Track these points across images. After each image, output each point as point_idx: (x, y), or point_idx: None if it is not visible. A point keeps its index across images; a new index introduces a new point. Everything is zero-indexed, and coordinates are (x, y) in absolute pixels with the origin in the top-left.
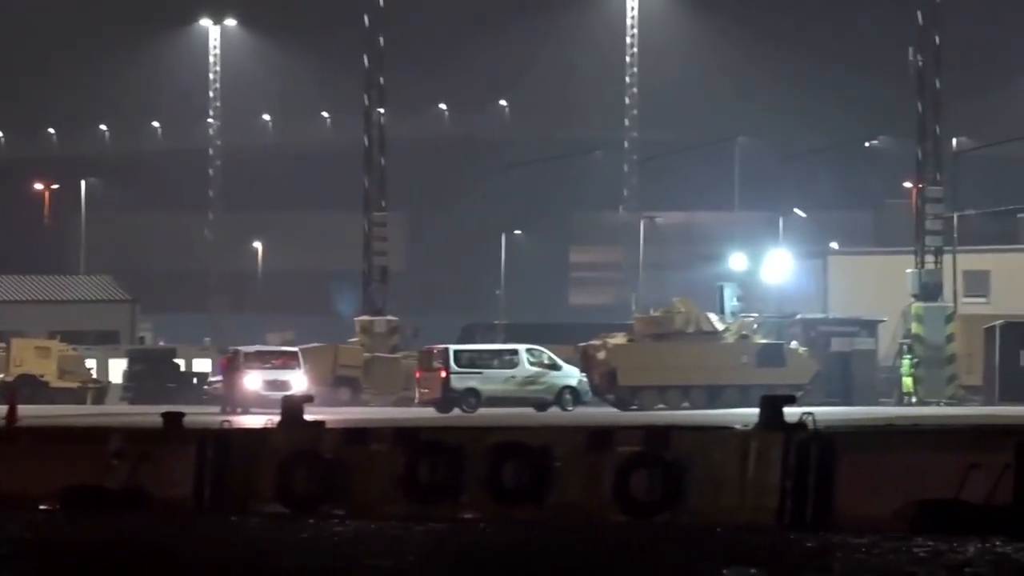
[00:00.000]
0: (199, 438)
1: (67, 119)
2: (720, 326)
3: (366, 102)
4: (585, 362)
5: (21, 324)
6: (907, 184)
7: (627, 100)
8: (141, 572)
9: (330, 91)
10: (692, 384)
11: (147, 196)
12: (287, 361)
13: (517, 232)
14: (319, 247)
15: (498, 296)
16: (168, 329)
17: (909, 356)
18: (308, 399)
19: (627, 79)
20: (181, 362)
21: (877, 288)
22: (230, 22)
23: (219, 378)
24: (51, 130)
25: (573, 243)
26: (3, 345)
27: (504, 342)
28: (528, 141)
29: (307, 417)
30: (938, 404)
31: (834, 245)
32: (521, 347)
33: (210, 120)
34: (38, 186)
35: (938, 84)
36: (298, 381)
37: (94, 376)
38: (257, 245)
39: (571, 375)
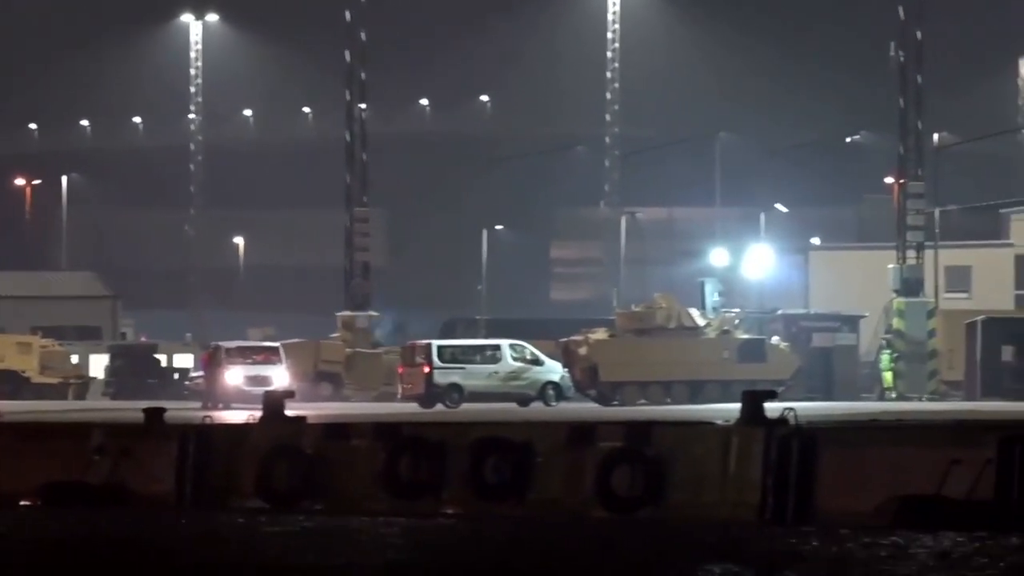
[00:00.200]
0: (180, 434)
1: (49, 115)
2: (701, 322)
3: (348, 98)
4: (566, 358)
5: (2, 320)
6: (889, 180)
7: (608, 96)
8: (123, 568)
9: (312, 87)
10: (673, 379)
11: (129, 192)
12: (268, 357)
13: (499, 227)
14: (301, 243)
15: (479, 291)
16: (150, 325)
17: (889, 351)
18: (289, 395)
19: (608, 75)
20: (163, 358)
21: (859, 283)
22: (212, 17)
23: (200, 374)
24: (33, 126)
25: (554, 239)
26: None
27: (486, 337)
28: (510, 137)
29: (288, 413)
30: (920, 399)
31: (815, 240)
32: (504, 342)
33: (192, 116)
34: (20, 182)
35: (920, 80)
36: (279, 377)
37: (81, 371)
38: (239, 241)
39: (554, 370)
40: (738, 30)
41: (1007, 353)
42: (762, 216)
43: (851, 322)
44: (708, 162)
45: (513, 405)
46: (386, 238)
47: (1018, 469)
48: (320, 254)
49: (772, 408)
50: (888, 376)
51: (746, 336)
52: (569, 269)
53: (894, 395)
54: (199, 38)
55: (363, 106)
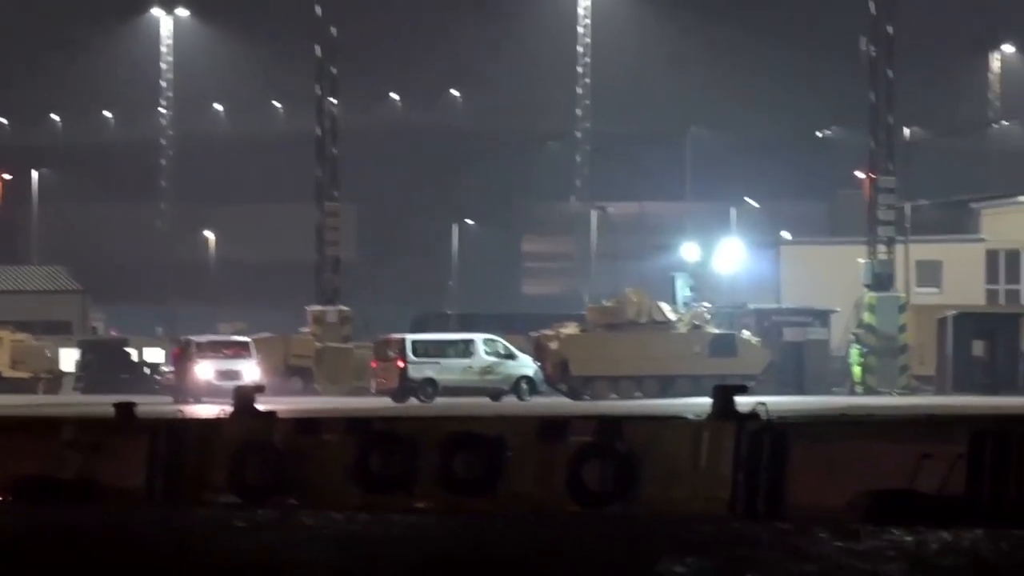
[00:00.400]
0: (151, 428)
1: (19, 109)
2: (672, 316)
3: (318, 92)
4: (538, 352)
5: None
6: (859, 174)
7: (579, 91)
8: (94, 563)
9: (282, 81)
10: (644, 374)
11: (99, 186)
12: (239, 351)
13: (469, 222)
14: (271, 237)
15: (450, 286)
16: (120, 319)
17: (858, 346)
18: (260, 389)
19: (580, 70)
20: (133, 352)
21: (830, 278)
22: (182, 12)
23: (171, 368)
24: (2, 120)
25: (525, 233)
26: None
27: (456, 332)
28: (481, 131)
29: (259, 407)
30: (891, 394)
31: (786, 235)
32: (477, 337)
33: (162, 110)
34: None
35: (891, 74)
36: (250, 371)
37: (54, 366)
38: (209, 235)
39: (527, 365)
40: (709, 25)
41: (978, 348)
42: (733, 211)
43: (822, 316)
44: (679, 157)
45: (486, 399)
46: (356, 233)
47: (989, 464)
48: (290, 248)
49: (743, 403)
50: (857, 370)
51: (717, 331)
52: (540, 264)
53: (861, 389)
54: (169, 32)
55: (333, 100)
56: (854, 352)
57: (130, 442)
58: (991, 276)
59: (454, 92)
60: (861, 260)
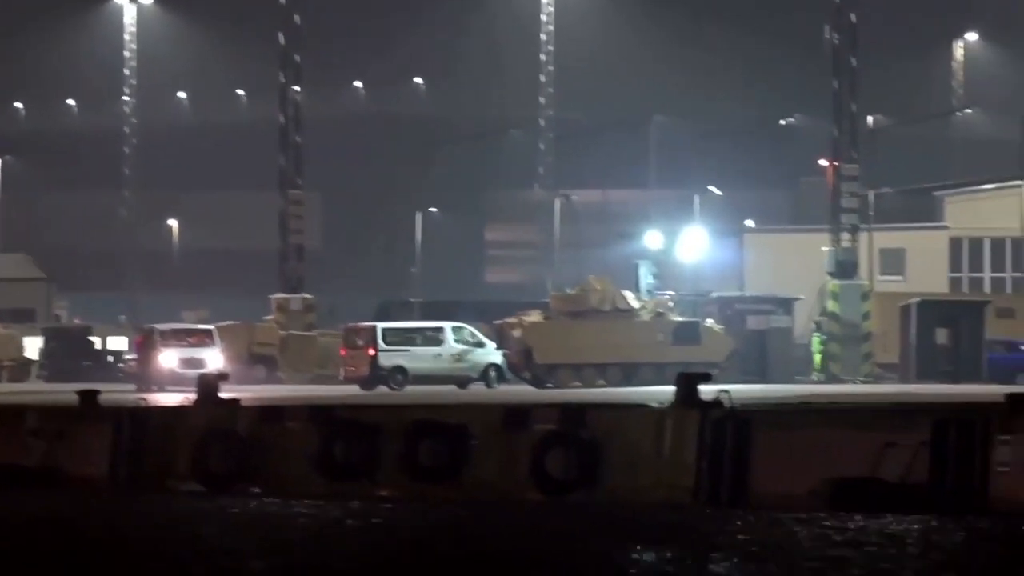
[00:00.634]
0: (115, 416)
1: None
2: (636, 304)
3: (282, 80)
4: (501, 340)
5: None
6: (823, 162)
7: (543, 78)
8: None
9: (246, 69)
10: (608, 362)
11: (62, 174)
12: (202, 339)
13: (433, 210)
14: (234, 225)
15: (414, 274)
16: (84, 307)
17: (818, 334)
18: (223, 377)
19: (543, 57)
20: (97, 340)
21: (793, 266)
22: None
23: (134, 356)
24: None
25: (489, 221)
26: None
27: (420, 320)
28: (444, 119)
29: (223, 395)
30: (854, 382)
31: (750, 223)
32: (447, 325)
33: (125, 98)
34: None
35: (854, 62)
36: (214, 359)
37: (22, 354)
38: (172, 223)
39: (495, 353)
40: (672, 13)
41: (941, 336)
42: (696, 199)
43: (786, 304)
44: (642, 145)
45: (452, 387)
46: (320, 221)
47: (952, 452)
48: (254, 237)
49: (707, 391)
50: (817, 358)
51: (680, 319)
52: (503, 252)
53: (820, 377)
54: (133, 20)
55: (297, 89)
56: (815, 340)
57: (94, 430)
58: (954, 264)
59: (418, 80)
60: (825, 248)
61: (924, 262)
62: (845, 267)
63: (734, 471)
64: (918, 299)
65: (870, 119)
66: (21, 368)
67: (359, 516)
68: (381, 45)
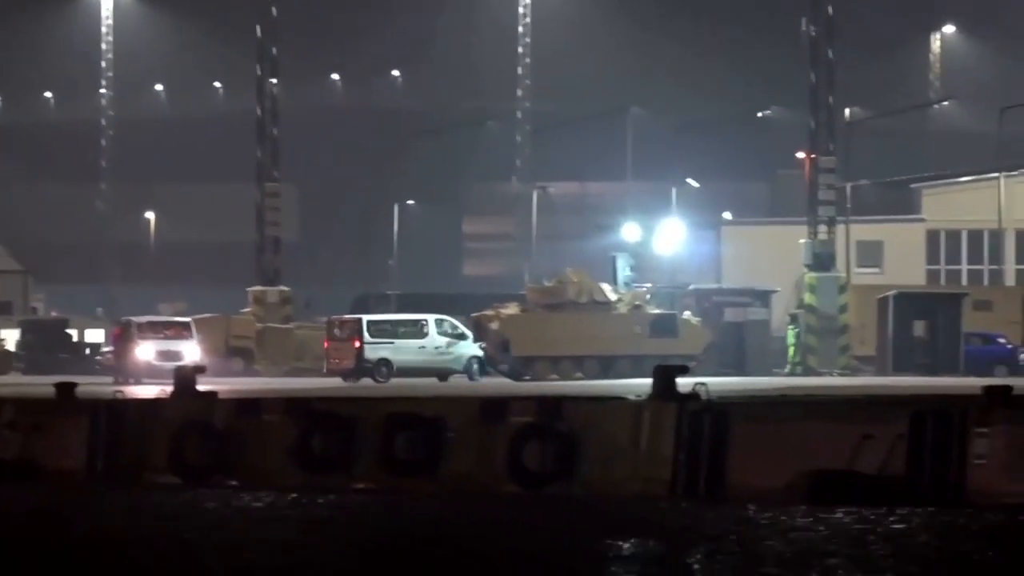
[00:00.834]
0: (92, 409)
1: None
2: (613, 296)
3: (259, 72)
4: (478, 332)
5: None
6: (800, 154)
7: (520, 71)
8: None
9: (223, 61)
10: (585, 354)
11: (39, 167)
12: (179, 332)
13: (410, 203)
14: (211, 218)
15: (391, 266)
16: (61, 300)
17: (792, 326)
18: (200, 370)
19: (520, 49)
20: (74, 332)
21: (770, 258)
22: None
23: (111, 349)
24: None
25: (466, 213)
26: None
27: (396, 312)
28: (421, 112)
29: (200, 388)
30: (831, 374)
31: (727, 215)
32: (430, 317)
33: (102, 91)
34: None
35: (831, 54)
36: (191, 352)
37: (1, 346)
38: (149, 216)
39: (476, 345)
40: (649, 5)
41: (918, 328)
42: (673, 191)
43: (763, 297)
44: (620, 137)
45: (431, 380)
46: (297, 213)
47: (929, 444)
48: (231, 229)
49: (684, 383)
50: (791, 351)
51: (658, 311)
52: (481, 244)
53: (791, 369)
54: (109, 13)
55: (274, 81)
56: (790, 332)
57: (71, 423)
58: (932, 256)
59: (395, 73)
60: (802, 240)
61: (901, 254)
62: (822, 259)
63: (711, 464)
64: (895, 291)
65: (847, 111)
66: (2, 360)
67: (336, 509)
68: (358, 38)
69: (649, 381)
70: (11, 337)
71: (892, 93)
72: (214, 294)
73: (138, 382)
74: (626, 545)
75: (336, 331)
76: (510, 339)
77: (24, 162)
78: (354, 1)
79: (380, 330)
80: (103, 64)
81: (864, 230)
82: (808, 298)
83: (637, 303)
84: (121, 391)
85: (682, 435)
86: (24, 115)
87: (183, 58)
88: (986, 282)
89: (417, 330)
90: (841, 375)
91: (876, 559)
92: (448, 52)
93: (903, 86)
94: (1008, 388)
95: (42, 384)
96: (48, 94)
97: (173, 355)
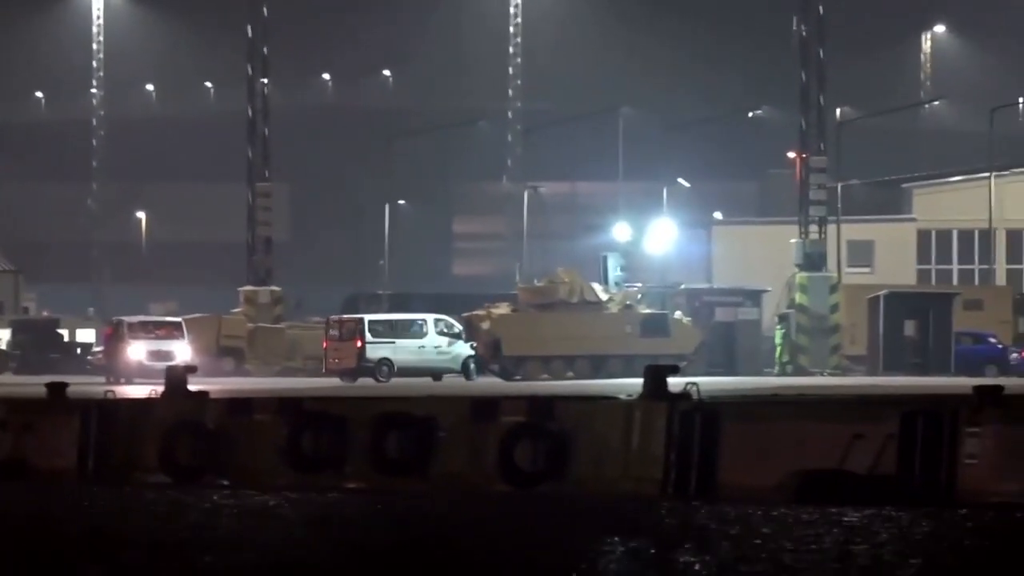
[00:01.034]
0: (83, 409)
1: None
2: (604, 296)
3: (249, 72)
4: (469, 332)
5: None
6: (791, 154)
7: (511, 70)
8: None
9: (214, 61)
10: (576, 354)
11: (31, 166)
12: (171, 331)
13: (401, 202)
14: (203, 217)
15: (382, 266)
16: (52, 299)
17: (780, 326)
18: (192, 369)
19: (511, 49)
20: (65, 332)
21: (761, 258)
22: None
23: (103, 348)
24: None
25: (457, 213)
26: None
27: (388, 312)
28: (412, 111)
29: (191, 388)
30: (822, 374)
31: (718, 215)
32: (429, 317)
33: (93, 90)
34: None
35: (822, 54)
36: (182, 351)
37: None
38: (141, 215)
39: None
40: (639, 5)
41: (909, 328)
42: (664, 191)
43: (754, 297)
44: (611, 136)
45: (424, 379)
46: (288, 213)
47: (920, 444)
48: (222, 229)
49: (675, 383)
50: (778, 351)
51: (649, 311)
52: (472, 244)
53: (780, 369)
54: (100, 12)
55: (265, 81)
56: (777, 333)
57: (61, 422)
58: (923, 256)
59: (385, 72)
60: (793, 240)
61: (892, 254)
62: (813, 259)
63: (702, 463)
64: (886, 291)
65: (838, 111)
66: None
67: (328, 508)
68: (349, 37)
69: (640, 381)
70: (2, 337)
71: (883, 93)
72: (205, 294)
73: (129, 382)
74: (617, 544)
75: (336, 331)
76: (501, 339)
77: (15, 162)
78: (345, 1)
79: (381, 330)
80: (94, 64)
81: (855, 230)
82: (799, 298)
83: (628, 303)
84: (112, 391)
85: (673, 435)
86: (15, 115)
87: (174, 58)
88: (977, 282)
89: (417, 330)
90: (832, 375)
91: (867, 558)
92: (439, 52)
93: (894, 86)
94: (999, 388)
95: (33, 384)
96: (39, 94)
97: (164, 355)
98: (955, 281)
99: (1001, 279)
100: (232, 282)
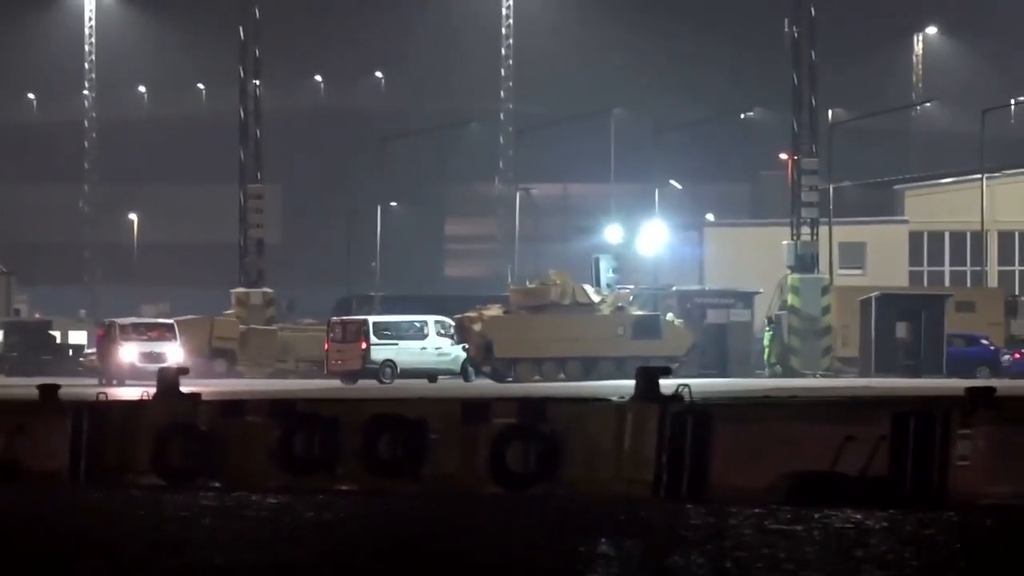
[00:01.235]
0: (75, 410)
1: None
2: (596, 298)
3: (241, 74)
4: (461, 334)
5: None
6: (783, 156)
7: (503, 72)
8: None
9: (206, 63)
10: (568, 356)
11: (23, 168)
12: (163, 333)
13: (393, 204)
14: (195, 219)
15: (374, 268)
16: (44, 301)
17: (768, 328)
18: (184, 371)
19: (503, 51)
20: (57, 334)
21: (753, 260)
22: None
23: (95, 350)
24: None
25: (449, 215)
26: None
27: (380, 314)
28: (404, 113)
29: (183, 389)
30: (814, 376)
31: (710, 217)
32: (429, 318)
33: (85, 92)
34: None
35: (813, 56)
36: (174, 353)
37: None
38: (133, 217)
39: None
40: (632, 6)
41: (901, 329)
42: (656, 192)
43: (746, 298)
44: (602, 138)
45: (420, 381)
46: (280, 214)
47: (912, 445)
48: (214, 230)
49: (667, 384)
50: (766, 352)
51: (640, 312)
52: (463, 245)
53: (771, 371)
54: (92, 14)
55: (257, 82)
56: (766, 335)
57: (53, 424)
58: (914, 258)
59: (377, 74)
60: (784, 242)
61: (884, 256)
62: (805, 261)
63: (694, 465)
64: (878, 293)
65: (830, 113)
66: None
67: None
68: (340, 39)
69: (632, 382)
70: None
71: (875, 94)
72: (197, 295)
73: (121, 383)
74: (608, 546)
75: (338, 333)
76: (493, 341)
77: (7, 163)
78: (337, 2)
79: (385, 331)
80: (86, 65)
81: (847, 231)
82: (791, 300)
83: (620, 304)
84: (104, 392)
85: (665, 436)
86: (7, 116)
87: (166, 59)
88: (969, 283)
89: (419, 331)
90: (824, 376)
91: (859, 560)
92: (431, 54)
93: (886, 87)
94: (991, 389)
95: (25, 385)
96: (31, 95)
97: (156, 356)
98: (947, 283)
99: (993, 281)
100: (224, 284)
